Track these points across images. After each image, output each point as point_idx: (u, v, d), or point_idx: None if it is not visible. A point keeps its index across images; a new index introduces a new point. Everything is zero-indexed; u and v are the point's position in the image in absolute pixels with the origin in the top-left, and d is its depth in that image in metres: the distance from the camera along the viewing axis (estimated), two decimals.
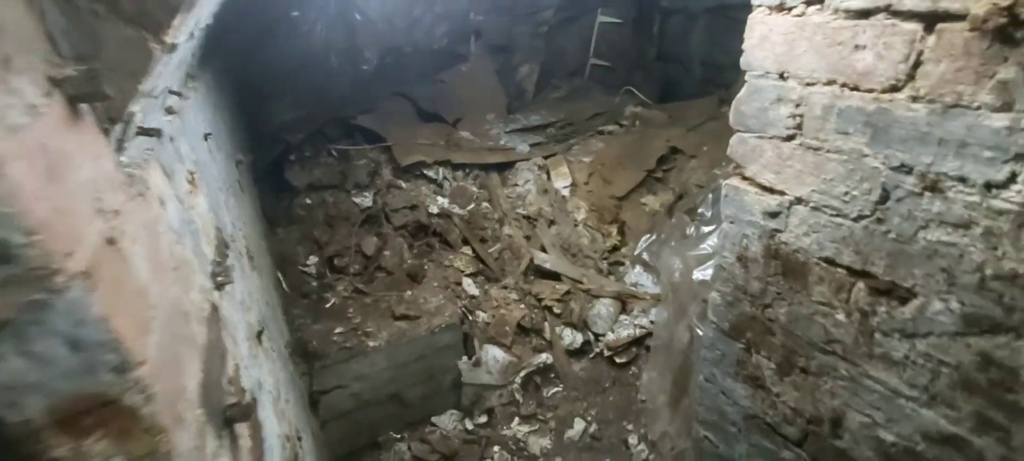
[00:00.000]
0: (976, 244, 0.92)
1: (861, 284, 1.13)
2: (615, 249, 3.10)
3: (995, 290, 0.92)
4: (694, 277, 2.08)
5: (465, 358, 2.61)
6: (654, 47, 5.65)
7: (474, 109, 4.08)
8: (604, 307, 2.71)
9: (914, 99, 0.96)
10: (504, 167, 3.61)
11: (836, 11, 1.05)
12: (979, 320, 0.95)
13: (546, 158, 3.70)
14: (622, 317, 2.70)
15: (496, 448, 2.51)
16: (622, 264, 3.03)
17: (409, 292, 2.77)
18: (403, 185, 3.21)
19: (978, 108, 0.87)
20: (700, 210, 2.67)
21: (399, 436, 2.59)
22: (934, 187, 0.96)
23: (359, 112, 3.53)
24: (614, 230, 3.17)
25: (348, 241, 2.98)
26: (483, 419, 2.65)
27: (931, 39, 0.92)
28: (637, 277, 2.88)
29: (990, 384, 0.96)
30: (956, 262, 0.96)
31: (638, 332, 2.59)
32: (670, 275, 2.26)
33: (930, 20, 0.91)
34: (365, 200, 3.15)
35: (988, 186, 0.89)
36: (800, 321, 1.29)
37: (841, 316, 1.19)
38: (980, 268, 0.93)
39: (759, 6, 1.20)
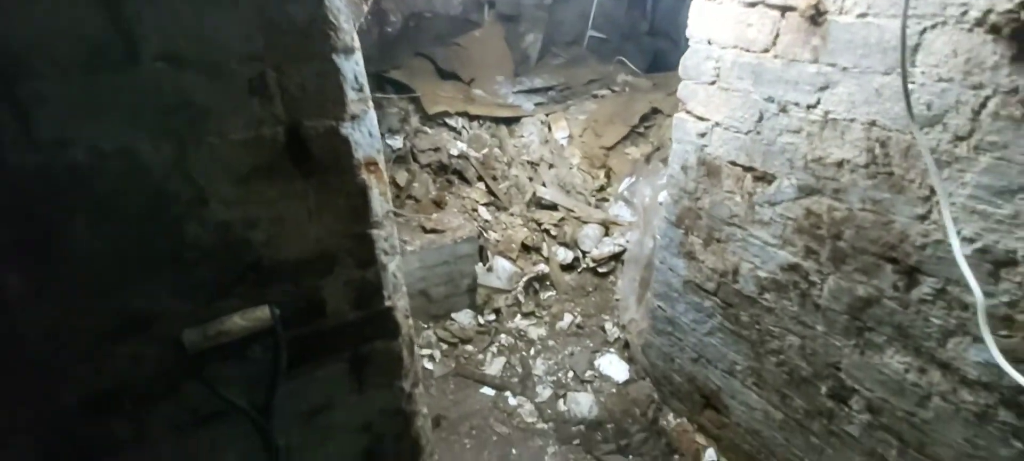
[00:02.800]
0: (803, 142, 1.60)
1: (748, 176, 1.81)
2: (602, 189, 3.78)
3: (812, 169, 1.60)
4: (659, 199, 2.76)
5: (480, 265, 3.29)
6: (647, 22, 6.24)
7: (486, 70, 4.67)
8: (591, 230, 3.39)
9: (775, 57, 1.62)
10: (512, 121, 4.23)
11: (739, 2, 1.70)
12: (804, 188, 1.63)
13: (548, 115, 4.33)
14: (605, 238, 3.39)
15: (502, 336, 3.22)
16: (607, 200, 3.71)
17: (435, 215, 3.43)
18: (428, 131, 3.84)
19: (803, 62, 1.54)
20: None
21: (426, 325, 3.28)
22: (784, 109, 1.63)
23: (388, 68, 4.12)
24: (602, 173, 3.83)
25: None
26: (492, 316, 3.35)
27: (783, 21, 1.57)
28: (619, 210, 3.56)
29: (810, 226, 1.65)
30: (794, 154, 1.63)
31: (617, 249, 3.28)
32: (642, 200, 2.94)
33: (783, 10, 1.56)
34: (396, 142, 3.78)
35: (807, 107, 1.56)
36: (716, 206, 1.97)
37: (738, 198, 1.87)
38: (804, 156, 1.60)
39: (694, 2, 1.85)
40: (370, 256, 1.18)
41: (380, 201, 1.16)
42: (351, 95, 1.02)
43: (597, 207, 3.65)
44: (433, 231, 3.23)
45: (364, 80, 1.06)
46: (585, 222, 3.45)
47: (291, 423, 1.18)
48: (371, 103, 1.11)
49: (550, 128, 4.17)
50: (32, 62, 0.74)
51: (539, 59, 5.57)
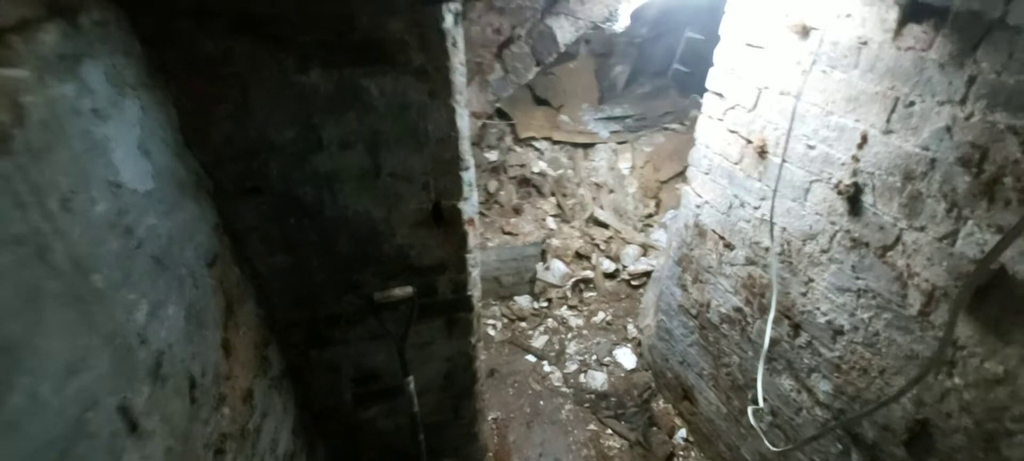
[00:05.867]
0: (750, 229, 2.38)
1: (721, 242, 2.61)
2: (650, 216, 4.56)
3: (753, 248, 2.38)
4: None
5: (541, 264, 4.27)
6: None
7: (574, 98, 5.55)
8: (632, 249, 4.23)
9: (740, 169, 2.40)
10: (587, 146, 5.11)
11: (725, 128, 2.49)
12: (749, 259, 2.42)
13: (619, 144, 5.14)
14: (642, 258, 4.20)
15: (550, 319, 4.18)
16: (652, 226, 4.50)
17: (513, 219, 4.44)
18: (518, 150, 4.84)
19: (754, 178, 2.32)
20: None
21: (494, 303, 4.33)
22: (742, 204, 2.42)
23: None
24: (653, 203, 4.61)
25: (478, 182, 4.69)
26: (545, 303, 4.32)
27: (747, 148, 2.35)
28: (659, 235, 4.34)
29: (749, 285, 2.44)
30: (745, 235, 2.42)
31: (649, 268, 4.09)
32: (672, 234, 3.73)
33: (747, 141, 2.34)
34: (492, 156, 4.82)
35: (754, 207, 2.34)
36: (702, 257, 2.78)
37: (714, 256, 2.67)
38: (750, 238, 2.39)
39: (701, 115, 2.65)
40: (463, 267, 2.20)
41: (472, 239, 2.17)
42: (466, 189, 2.02)
43: (641, 231, 4.46)
44: (509, 233, 4.25)
45: (473, 181, 2.06)
46: (629, 243, 4.29)
47: (413, 348, 2.24)
48: (475, 190, 2.11)
49: (617, 157, 4.98)
50: (338, 176, 1.82)
51: (625, 87, 6.33)
